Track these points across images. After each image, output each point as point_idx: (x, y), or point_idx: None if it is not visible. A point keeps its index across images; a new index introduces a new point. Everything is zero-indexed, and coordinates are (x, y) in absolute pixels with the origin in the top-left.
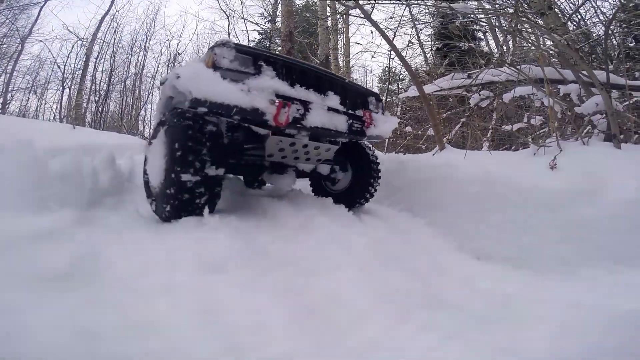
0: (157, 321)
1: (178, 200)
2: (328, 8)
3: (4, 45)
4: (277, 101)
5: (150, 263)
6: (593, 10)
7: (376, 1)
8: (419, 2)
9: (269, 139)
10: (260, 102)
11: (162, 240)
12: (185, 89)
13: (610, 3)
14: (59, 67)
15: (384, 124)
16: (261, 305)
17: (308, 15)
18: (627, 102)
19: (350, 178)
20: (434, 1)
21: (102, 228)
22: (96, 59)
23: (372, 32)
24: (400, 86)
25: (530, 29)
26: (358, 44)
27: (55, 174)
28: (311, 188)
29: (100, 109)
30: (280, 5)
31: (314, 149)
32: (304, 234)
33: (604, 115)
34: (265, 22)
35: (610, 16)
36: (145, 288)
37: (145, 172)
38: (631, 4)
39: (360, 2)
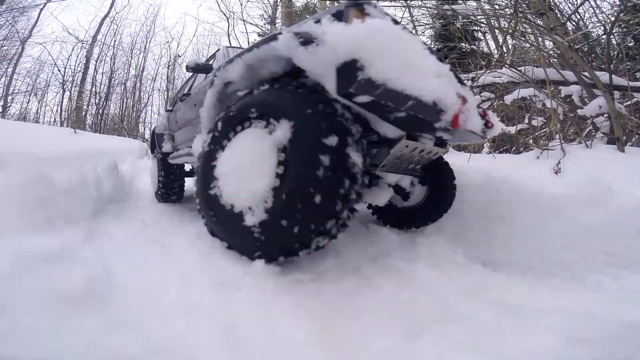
0: (179, 342)
1: (297, 240)
2: (327, 9)
3: (4, 48)
4: (461, 95)
5: (163, 281)
6: (592, 10)
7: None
8: (419, 3)
9: (400, 144)
10: (449, 95)
11: (171, 256)
12: (339, 60)
13: (608, 3)
14: (59, 70)
15: (498, 125)
16: (278, 323)
17: (308, 16)
18: (629, 102)
19: (427, 192)
20: (434, 3)
21: (110, 244)
22: (96, 61)
23: None
24: None
25: (529, 30)
26: None
27: (60, 188)
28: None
29: (100, 111)
30: (279, 7)
31: (426, 155)
32: None
33: (607, 117)
34: (264, 24)
35: (612, 17)
36: (162, 308)
37: (195, 174)
38: (629, 4)
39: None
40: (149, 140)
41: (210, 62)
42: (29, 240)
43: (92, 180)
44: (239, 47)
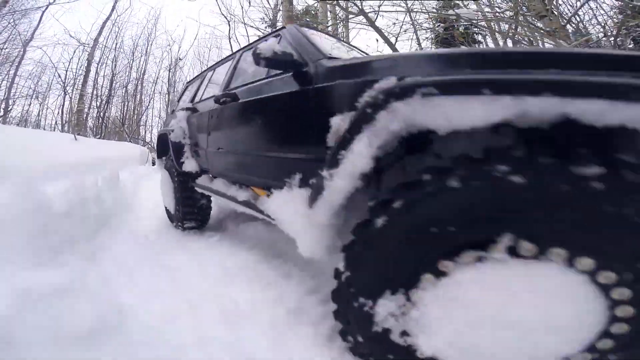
0: None
1: None
2: (329, 13)
3: (6, 50)
4: None
5: (173, 311)
6: (592, 12)
7: (379, 8)
8: (421, 4)
9: None
10: None
11: (178, 281)
12: None
13: (607, 5)
14: (59, 75)
15: None
16: (294, 353)
17: (308, 19)
18: None
19: None
20: (435, 4)
21: (115, 268)
22: (97, 64)
23: (377, 40)
24: None
25: (530, 33)
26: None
27: (60, 211)
28: None
29: (101, 114)
30: (280, 10)
31: None
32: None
33: None
34: (265, 27)
35: (614, 19)
36: (175, 341)
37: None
38: (630, 5)
39: (364, 5)
40: (149, 144)
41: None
42: (34, 275)
43: (92, 195)
44: (311, 27)
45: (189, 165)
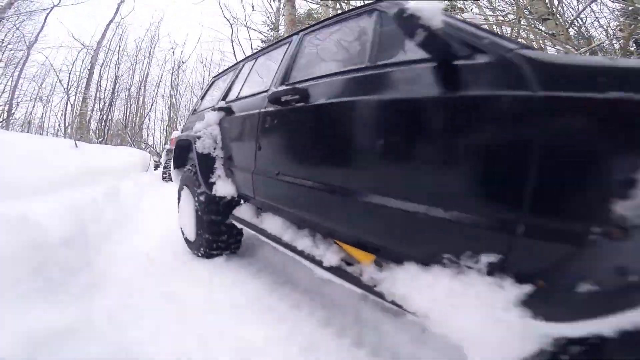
0: None
1: None
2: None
3: (11, 52)
4: None
5: (184, 349)
6: (594, 15)
7: None
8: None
9: None
10: None
11: (186, 315)
12: None
13: (610, 7)
14: (60, 81)
15: None
16: None
17: (311, 23)
18: None
19: None
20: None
21: (119, 300)
22: (101, 67)
23: None
24: None
25: (532, 36)
26: None
27: (56, 240)
28: None
29: (104, 117)
30: (283, 13)
31: None
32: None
33: None
34: (268, 30)
35: (614, 21)
36: None
37: None
38: (630, 8)
39: None
40: (152, 147)
41: None
42: (38, 315)
43: (91, 216)
44: None
45: (223, 187)
